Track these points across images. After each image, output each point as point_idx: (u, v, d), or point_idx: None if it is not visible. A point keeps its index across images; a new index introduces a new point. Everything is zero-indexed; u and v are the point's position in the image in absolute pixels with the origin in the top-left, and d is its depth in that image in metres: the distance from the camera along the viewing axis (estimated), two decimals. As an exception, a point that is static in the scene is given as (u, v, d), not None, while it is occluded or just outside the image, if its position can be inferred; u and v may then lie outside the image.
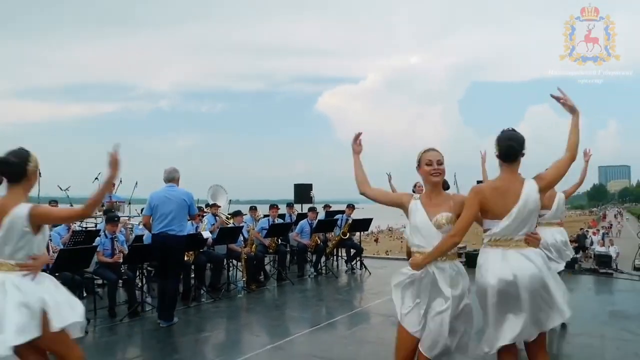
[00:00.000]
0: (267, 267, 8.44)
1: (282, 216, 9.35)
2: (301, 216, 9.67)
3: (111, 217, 6.31)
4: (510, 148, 2.67)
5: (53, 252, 5.58)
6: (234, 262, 8.01)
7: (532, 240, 2.64)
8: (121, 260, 6.06)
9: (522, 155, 2.71)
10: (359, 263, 9.11)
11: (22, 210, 2.56)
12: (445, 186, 3.32)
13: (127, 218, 9.57)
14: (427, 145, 2.95)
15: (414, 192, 5.03)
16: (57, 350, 2.67)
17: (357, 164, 2.89)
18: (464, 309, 2.60)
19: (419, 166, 2.75)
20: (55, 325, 2.53)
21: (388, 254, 22.01)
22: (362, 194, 2.84)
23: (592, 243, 21.77)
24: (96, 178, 9.66)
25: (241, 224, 7.71)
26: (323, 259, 8.87)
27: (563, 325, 4.58)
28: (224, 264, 7.51)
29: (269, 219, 8.44)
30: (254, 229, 8.15)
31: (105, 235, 6.12)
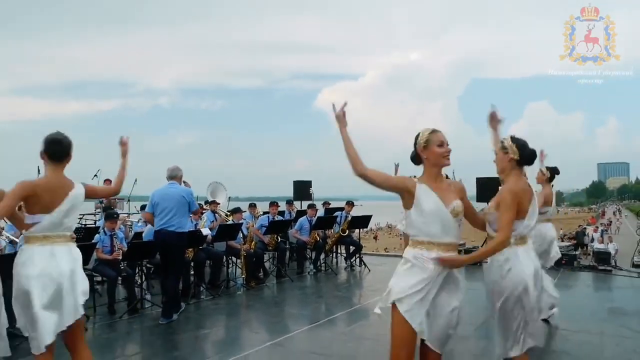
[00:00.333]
0: (267, 264, 8.44)
1: (281, 213, 9.33)
2: (300, 213, 9.65)
3: (110, 214, 6.31)
4: (533, 155, 2.81)
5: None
6: (234, 259, 8.00)
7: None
8: (120, 258, 6.05)
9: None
10: (358, 260, 9.12)
11: (80, 187, 2.90)
12: None
13: (126, 215, 9.58)
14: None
15: None
16: (79, 333, 2.85)
17: (348, 139, 2.41)
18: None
19: (425, 147, 2.44)
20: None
21: (387, 251, 22.01)
22: (359, 175, 2.37)
23: (591, 240, 21.85)
24: (95, 175, 9.67)
25: (240, 221, 7.71)
26: (322, 256, 8.87)
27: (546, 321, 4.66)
28: (224, 261, 7.51)
29: (268, 216, 8.42)
30: (253, 226, 8.15)
31: (104, 232, 6.13)
